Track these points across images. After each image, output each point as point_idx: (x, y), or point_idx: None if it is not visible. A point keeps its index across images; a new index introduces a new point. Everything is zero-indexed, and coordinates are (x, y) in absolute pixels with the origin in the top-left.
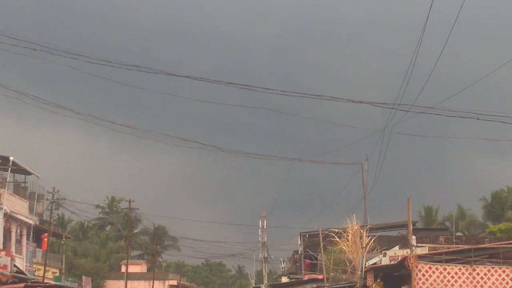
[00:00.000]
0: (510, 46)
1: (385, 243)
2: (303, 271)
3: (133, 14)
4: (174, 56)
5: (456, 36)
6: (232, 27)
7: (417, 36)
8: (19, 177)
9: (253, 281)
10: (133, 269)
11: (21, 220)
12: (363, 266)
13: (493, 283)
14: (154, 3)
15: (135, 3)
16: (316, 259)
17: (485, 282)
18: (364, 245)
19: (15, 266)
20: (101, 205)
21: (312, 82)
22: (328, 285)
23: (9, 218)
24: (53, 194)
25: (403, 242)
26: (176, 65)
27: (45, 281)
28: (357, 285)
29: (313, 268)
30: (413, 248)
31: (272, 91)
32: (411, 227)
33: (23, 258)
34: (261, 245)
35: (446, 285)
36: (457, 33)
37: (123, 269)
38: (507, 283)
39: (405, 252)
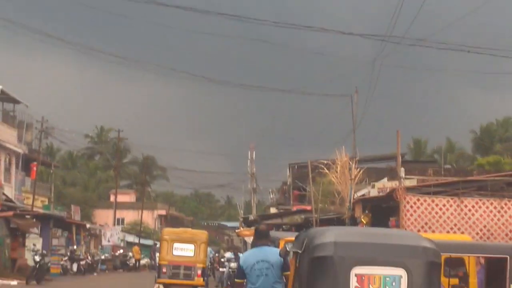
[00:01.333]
0: None
1: (373, 175)
2: (291, 202)
3: None
4: None
5: None
6: None
7: None
8: (8, 106)
9: (241, 211)
10: (122, 198)
11: (10, 148)
12: (352, 198)
13: (481, 215)
14: None
15: None
16: (305, 190)
17: (473, 214)
18: (352, 177)
19: (4, 194)
20: (90, 134)
21: (301, 12)
22: (316, 216)
23: None
24: (42, 123)
25: (392, 174)
26: None
27: (34, 209)
28: (345, 216)
29: (301, 199)
30: (402, 180)
31: (262, 21)
32: (400, 159)
33: (12, 187)
34: (250, 175)
35: (434, 216)
36: None
37: (112, 199)
38: (494, 215)
39: (394, 184)
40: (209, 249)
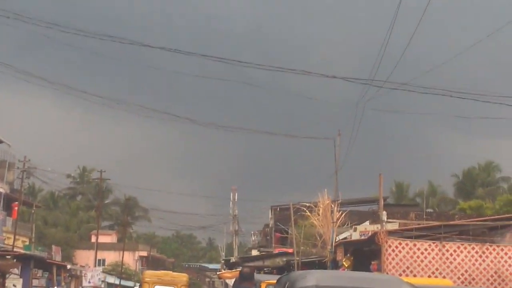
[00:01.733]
0: (484, 26)
1: (356, 218)
2: (273, 245)
3: None
4: (148, 23)
5: (431, 14)
6: None
7: (392, 12)
8: None
9: (223, 253)
10: (103, 239)
11: None
12: (334, 241)
13: (462, 260)
14: None
15: None
16: (287, 232)
17: (455, 259)
18: (335, 220)
19: None
20: (72, 175)
21: (285, 54)
22: (298, 258)
23: None
24: (24, 163)
25: (374, 218)
26: (150, 33)
27: (15, 249)
28: (327, 259)
29: (283, 241)
30: (384, 223)
31: (247, 64)
32: (382, 203)
33: None
34: (232, 217)
35: (415, 260)
36: (432, 10)
37: (93, 239)
38: (476, 260)
39: (376, 227)
40: None
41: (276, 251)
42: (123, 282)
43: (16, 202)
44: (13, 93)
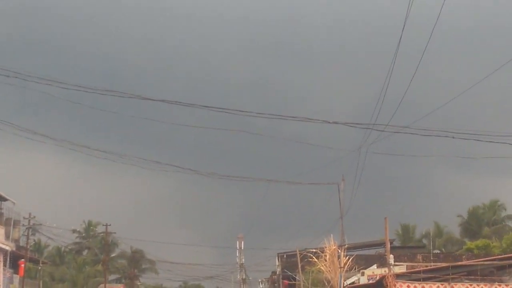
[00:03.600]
0: (483, 65)
1: (363, 262)
2: None
3: (102, 37)
4: (146, 78)
5: (430, 56)
6: (202, 45)
7: (391, 56)
8: None
9: None
10: None
11: None
12: (341, 286)
13: None
14: (124, 25)
15: (103, 26)
16: (294, 279)
17: None
18: (342, 265)
19: None
20: (77, 229)
21: (285, 101)
22: None
23: None
24: (29, 220)
25: (381, 261)
26: (149, 84)
27: None
28: None
29: None
30: (391, 266)
31: (247, 113)
32: (389, 246)
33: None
34: (238, 266)
35: None
36: (430, 52)
37: None
38: None
39: (383, 271)
40: None
41: None
42: None
43: (23, 259)
44: (15, 151)
